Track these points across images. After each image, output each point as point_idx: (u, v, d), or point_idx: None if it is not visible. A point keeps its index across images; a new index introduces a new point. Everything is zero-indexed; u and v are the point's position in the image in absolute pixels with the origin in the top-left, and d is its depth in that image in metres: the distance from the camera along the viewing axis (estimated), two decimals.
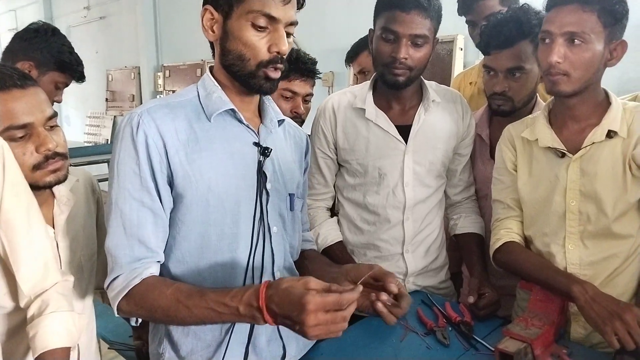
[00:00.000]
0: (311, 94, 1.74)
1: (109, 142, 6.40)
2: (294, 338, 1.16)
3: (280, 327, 0.95)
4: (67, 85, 1.79)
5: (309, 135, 1.42)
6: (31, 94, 1.09)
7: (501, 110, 1.54)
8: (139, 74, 6.30)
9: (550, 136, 1.30)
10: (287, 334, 1.13)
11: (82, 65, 1.80)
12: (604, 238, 1.26)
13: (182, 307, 0.94)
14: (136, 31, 6.17)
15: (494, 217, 1.46)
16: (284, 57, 1.04)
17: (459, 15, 1.95)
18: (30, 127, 1.09)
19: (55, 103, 1.71)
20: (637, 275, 1.30)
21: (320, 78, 1.83)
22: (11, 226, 1.00)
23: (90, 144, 6.82)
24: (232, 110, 1.07)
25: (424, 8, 1.37)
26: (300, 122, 1.69)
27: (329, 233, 1.60)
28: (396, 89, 1.48)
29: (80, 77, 1.80)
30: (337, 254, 1.56)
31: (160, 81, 6.00)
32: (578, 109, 1.27)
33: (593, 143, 1.24)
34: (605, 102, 1.27)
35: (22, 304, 1.03)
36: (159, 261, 1.04)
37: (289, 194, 1.17)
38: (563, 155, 1.28)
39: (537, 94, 1.60)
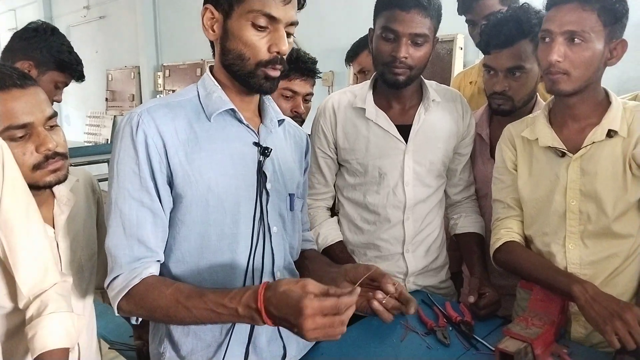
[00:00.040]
0: (311, 94, 1.74)
1: (109, 142, 6.40)
2: (295, 338, 1.16)
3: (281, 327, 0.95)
4: (66, 84, 1.78)
5: (309, 134, 1.41)
6: (31, 94, 1.09)
7: (501, 109, 1.53)
8: (139, 73, 6.30)
9: (550, 135, 1.30)
10: (288, 334, 1.13)
11: (82, 64, 1.79)
12: (604, 237, 1.26)
13: (181, 307, 0.94)
14: (136, 31, 6.16)
15: (494, 217, 1.45)
16: (284, 57, 1.04)
17: (458, 14, 1.95)
18: (30, 126, 1.08)
19: (55, 103, 1.71)
20: (638, 274, 1.30)
21: (320, 77, 1.83)
22: (10, 227, 1.00)
23: (90, 144, 6.82)
24: (232, 110, 1.07)
25: (424, 7, 1.37)
26: (301, 122, 1.69)
27: (329, 233, 1.60)
28: (396, 88, 1.47)
29: (79, 77, 1.80)
30: (337, 253, 1.56)
31: (160, 81, 6.00)
32: (578, 108, 1.27)
33: (593, 142, 1.24)
34: (605, 102, 1.27)
35: (20, 305, 1.03)
36: (158, 261, 1.04)
37: (289, 194, 1.17)
38: (563, 154, 1.28)
39: (537, 94, 1.60)
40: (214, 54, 1.10)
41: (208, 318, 0.94)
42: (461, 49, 3.28)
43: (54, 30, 1.75)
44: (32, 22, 1.76)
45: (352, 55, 2.24)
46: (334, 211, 1.70)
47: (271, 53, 1.01)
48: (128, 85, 6.52)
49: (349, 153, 1.56)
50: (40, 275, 1.04)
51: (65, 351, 1.00)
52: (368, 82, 1.58)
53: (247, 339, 1.08)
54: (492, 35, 1.47)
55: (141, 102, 5.47)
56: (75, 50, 1.78)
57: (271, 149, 1.09)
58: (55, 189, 1.20)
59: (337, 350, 1.22)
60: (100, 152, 4.83)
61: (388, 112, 1.53)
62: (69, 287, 1.12)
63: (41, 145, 1.09)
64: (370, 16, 1.49)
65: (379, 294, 1.03)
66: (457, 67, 3.24)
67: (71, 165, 1.23)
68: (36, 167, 1.10)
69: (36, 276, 1.03)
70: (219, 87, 1.08)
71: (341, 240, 1.61)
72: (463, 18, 1.95)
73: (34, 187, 1.10)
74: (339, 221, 1.65)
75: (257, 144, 1.09)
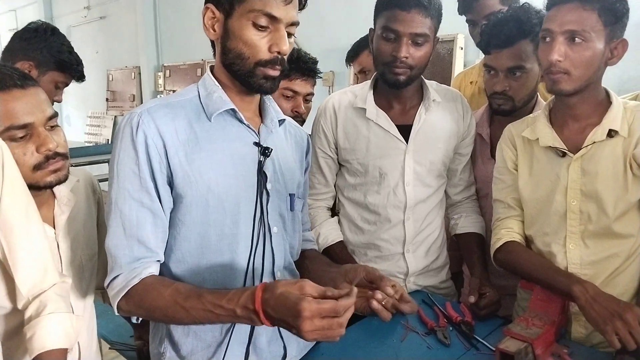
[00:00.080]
0: (312, 94, 1.74)
1: (109, 142, 6.40)
2: (295, 338, 1.15)
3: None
4: (67, 84, 1.79)
5: (309, 134, 1.41)
6: (31, 94, 1.09)
7: (502, 109, 1.53)
8: (140, 73, 6.30)
9: (551, 135, 1.30)
10: (288, 334, 1.13)
11: (82, 64, 1.80)
12: (605, 237, 1.26)
13: (179, 308, 0.94)
14: (136, 31, 6.17)
15: (495, 217, 1.45)
16: (285, 57, 1.04)
17: (459, 14, 1.95)
18: (31, 127, 1.08)
19: (55, 103, 1.71)
20: (638, 274, 1.29)
21: (320, 77, 1.83)
22: (9, 227, 1.00)
23: (90, 144, 6.82)
24: (233, 110, 1.07)
25: (425, 7, 1.37)
26: (301, 122, 1.69)
27: (329, 233, 1.60)
28: (397, 88, 1.47)
29: (80, 77, 1.80)
30: (338, 253, 1.56)
31: (160, 81, 6.00)
32: (579, 108, 1.27)
33: (594, 142, 1.24)
34: (605, 101, 1.27)
35: (19, 305, 1.03)
36: (158, 261, 1.04)
37: (290, 194, 1.17)
38: (564, 154, 1.28)
39: (538, 93, 1.60)
40: (214, 54, 1.10)
41: (206, 319, 0.94)
42: (462, 48, 3.28)
43: (54, 31, 1.75)
44: (33, 22, 1.76)
45: (352, 55, 2.24)
46: (334, 211, 1.70)
47: (271, 53, 1.01)
48: (128, 85, 6.52)
49: (350, 153, 1.56)
50: (40, 275, 1.04)
51: (64, 352, 1.00)
52: (368, 82, 1.58)
53: (247, 339, 1.08)
54: (493, 35, 1.47)
55: (142, 103, 5.44)
56: (75, 50, 1.78)
57: (271, 149, 1.09)
58: (56, 189, 1.20)
59: (337, 350, 1.22)
60: (100, 152, 4.83)
61: (388, 112, 1.53)
62: (68, 288, 1.12)
63: (42, 146, 1.09)
64: (370, 16, 1.49)
65: (379, 294, 1.04)
66: (458, 67, 3.24)
67: (72, 166, 1.23)
68: (37, 167, 1.10)
69: (35, 277, 1.03)
70: (220, 87, 1.08)
71: (341, 241, 1.61)
72: (463, 18, 1.95)
73: (34, 188, 1.10)
74: (339, 221, 1.65)
75: (257, 144, 1.09)
